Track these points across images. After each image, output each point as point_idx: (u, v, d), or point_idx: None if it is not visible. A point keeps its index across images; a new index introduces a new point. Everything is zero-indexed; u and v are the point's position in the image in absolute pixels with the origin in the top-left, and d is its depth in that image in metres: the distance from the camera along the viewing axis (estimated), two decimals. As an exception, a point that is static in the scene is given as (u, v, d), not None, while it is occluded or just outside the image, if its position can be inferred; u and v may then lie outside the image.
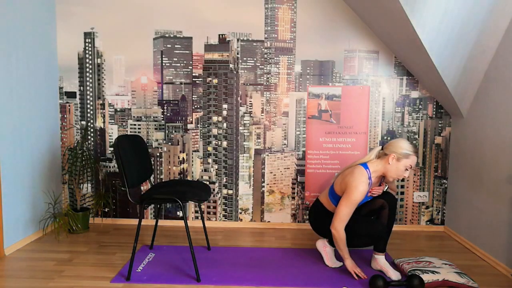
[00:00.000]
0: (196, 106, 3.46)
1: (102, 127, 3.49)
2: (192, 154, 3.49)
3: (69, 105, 3.48)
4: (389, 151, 2.44)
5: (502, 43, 2.69)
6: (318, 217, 2.70)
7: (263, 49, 3.40)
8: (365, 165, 2.49)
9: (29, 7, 3.02)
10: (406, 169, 2.43)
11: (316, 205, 2.73)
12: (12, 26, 2.82)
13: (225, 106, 3.43)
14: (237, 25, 3.37)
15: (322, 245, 2.73)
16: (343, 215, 2.41)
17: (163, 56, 3.42)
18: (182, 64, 3.43)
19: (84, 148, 3.29)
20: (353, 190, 2.39)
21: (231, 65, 3.41)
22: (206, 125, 3.46)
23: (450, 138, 3.43)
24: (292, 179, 3.49)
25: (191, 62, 3.43)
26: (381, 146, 2.54)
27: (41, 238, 3.14)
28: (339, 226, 2.42)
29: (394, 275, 2.48)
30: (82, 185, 3.49)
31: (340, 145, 3.43)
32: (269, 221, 3.53)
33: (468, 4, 2.49)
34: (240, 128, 3.46)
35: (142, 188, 3.47)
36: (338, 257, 2.73)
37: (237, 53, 3.40)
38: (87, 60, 3.44)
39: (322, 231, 2.70)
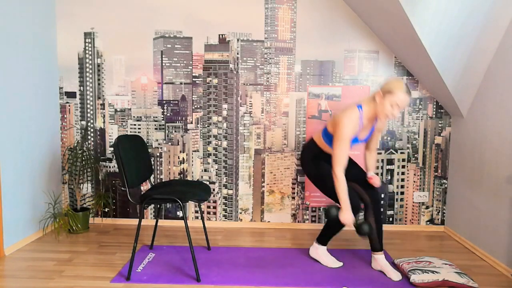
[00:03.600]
0: (196, 106, 3.46)
1: (102, 127, 3.49)
2: (192, 154, 3.49)
3: (69, 105, 3.48)
4: (380, 89, 2.37)
5: (502, 43, 2.69)
6: (308, 154, 2.61)
7: (263, 49, 3.40)
8: (359, 106, 2.42)
9: (29, 7, 3.02)
10: (392, 107, 2.29)
11: (309, 144, 2.64)
12: (12, 26, 2.82)
13: (225, 106, 3.43)
14: (237, 25, 3.37)
15: (314, 250, 2.75)
16: (338, 157, 2.33)
17: (163, 56, 3.42)
18: (182, 64, 3.43)
19: (84, 148, 3.29)
20: (342, 126, 2.33)
21: (231, 65, 3.41)
22: (206, 125, 3.46)
23: (450, 138, 3.43)
24: (292, 179, 3.49)
25: (191, 62, 3.43)
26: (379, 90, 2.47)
27: (41, 238, 3.14)
28: (337, 170, 2.33)
29: (394, 275, 2.48)
30: (82, 185, 3.49)
31: (340, 145, 3.43)
32: (269, 221, 3.53)
33: (468, 4, 2.49)
34: (240, 128, 3.46)
35: (142, 188, 3.47)
36: (336, 256, 2.73)
37: (237, 53, 3.40)
38: (87, 60, 3.44)
39: (311, 170, 2.60)
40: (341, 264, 2.67)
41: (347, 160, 2.42)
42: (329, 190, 2.48)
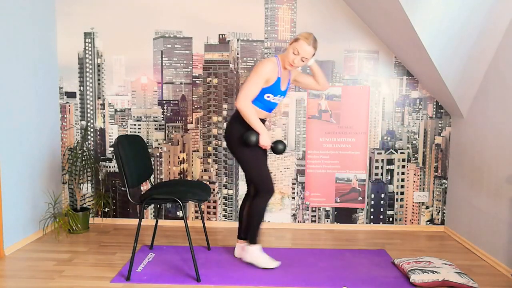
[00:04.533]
0: (196, 106, 3.46)
1: (102, 127, 3.49)
2: (192, 154, 3.49)
3: (69, 105, 3.48)
4: (291, 44, 2.43)
5: (502, 44, 2.69)
6: (237, 129, 2.50)
7: (263, 49, 3.40)
8: (276, 55, 2.52)
9: (29, 7, 3.02)
10: (294, 54, 2.37)
11: (234, 115, 2.55)
12: (12, 26, 2.82)
13: (225, 106, 3.43)
14: (237, 25, 3.37)
15: (240, 250, 2.65)
16: (248, 89, 2.35)
17: (163, 56, 3.42)
18: (182, 64, 3.43)
19: (84, 148, 3.29)
20: (260, 65, 2.38)
21: (231, 65, 3.41)
22: (206, 125, 3.46)
23: (450, 138, 3.43)
24: (292, 179, 3.49)
25: (191, 62, 3.43)
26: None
27: (41, 238, 3.14)
28: (243, 100, 2.35)
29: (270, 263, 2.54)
30: (82, 185, 3.49)
31: (340, 145, 3.43)
32: (269, 221, 3.53)
33: (468, 4, 2.49)
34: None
35: (142, 188, 3.47)
36: (336, 256, 2.72)
37: (237, 53, 3.40)
38: (87, 60, 3.44)
39: (240, 152, 2.53)
40: (278, 263, 2.58)
41: (252, 96, 2.40)
42: (257, 175, 2.52)
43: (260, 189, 2.56)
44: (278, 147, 2.51)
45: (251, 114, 2.38)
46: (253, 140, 2.38)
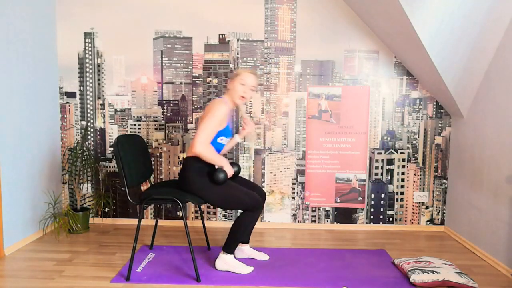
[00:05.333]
0: (196, 106, 3.46)
1: (102, 127, 3.49)
2: (192, 154, 3.48)
3: (69, 105, 3.48)
4: (231, 79, 2.52)
5: (502, 43, 2.69)
6: (189, 175, 2.44)
7: (263, 49, 3.40)
8: (221, 96, 2.55)
9: (29, 7, 3.02)
10: (242, 84, 2.45)
11: (185, 164, 2.47)
12: (12, 26, 2.82)
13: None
14: (237, 25, 3.37)
15: (221, 262, 2.55)
16: (206, 130, 2.32)
17: (163, 56, 3.42)
18: (182, 64, 3.43)
19: (84, 148, 3.29)
20: (214, 109, 2.37)
21: (231, 65, 3.41)
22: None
23: (450, 138, 3.43)
24: (292, 179, 3.49)
25: (191, 62, 3.43)
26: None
27: (41, 238, 3.14)
28: (203, 144, 2.31)
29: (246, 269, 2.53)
30: (82, 185, 3.49)
31: (340, 145, 3.43)
32: (269, 221, 3.53)
33: (468, 4, 2.49)
34: (240, 128, 3.45)
35: (142, 188, 3.47)
36: (336, 256, 2.72)
37: (237, 53, 3.40)
38: (87, 60, 3.44)
39: (196, 188, 2.44)
40: (252, 268, 2.56)
41: (211, 139, 2.39)
42: (237, 202, 2.43)
43: (249, 210, 2.45)
44: (219, 175, 2.40)
45: (212, 152, 2.37)
46: (222, 176, 2.37)
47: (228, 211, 3.52)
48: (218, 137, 2.45)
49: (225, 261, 2.54)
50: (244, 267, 2.54)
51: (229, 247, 2.53)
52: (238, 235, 2.49)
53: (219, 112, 2.37)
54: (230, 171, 2.43)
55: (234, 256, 2.60)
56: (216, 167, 2.47)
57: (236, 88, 2.46)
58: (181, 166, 2.54)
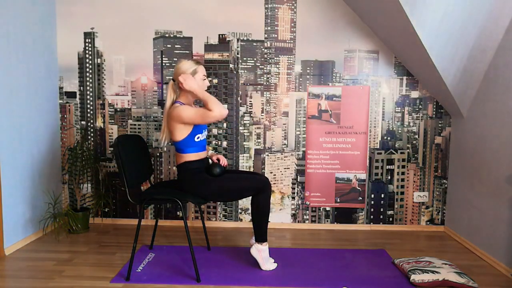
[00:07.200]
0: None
1: (102, 127, 3.49)
2: (192, 154, 3.48)
3: (69, 105, 3.48)
4: (179, 77, 2.42)
5: (502, 43, 2.69)
6: (186, 175, 2.48)
7: (263, 49, 3.40)
8: (177, 102, 2.47)
9: (29, 7, 3.02)
10: (204, 79, 2.50)
11: (180, 170, 2.50)
12: (12, 26, 2.82)
13: (225, 106, 3.43)
14: (237, 25, 3.37)
15: (256, 251, 2.61)
16: (196, 112, 2.36)
17: (163, 56, 3.42)
18: (182, 64, 3.42)
19: (84, 148, 3.29)
20: (182, 110, 2.35)
21: (231, 65, 3.41)
22: (206, 125, 3.46)
23: (450, 138, 3.43)
24: (292, 179, 3.49)
25: (191, 62, 3.42)
26: (171, 80, 2.53)
27: (41, 238, 3.14)
28: (218, 106, 2.33)
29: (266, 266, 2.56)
30: (82, 185, 3.49)
31: (340, 145, 3.43)
32: (269, 221, 3.51)
33: (468, 4, 2.49)
34: (240, 128, 3.46)
35: (142, 188, 3.47)
36: (336, 256, 2.72)
37: (237, 53, 3.40)
38: (87, 60, 3.44)
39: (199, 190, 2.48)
40: (275, 265, 2.62)
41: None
42: (241, 189, 2.49)
43: (256, 191, 2.50)
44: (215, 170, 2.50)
45: (211, 97, 2.37)
46: (218, 170, 2.48)
47: (228, 211, 3.52)
48: (193, 137, 2.45)
49: (258, 250, 2.60)
50: (270, 264, 2.62)
51: (260, 236, 2.59)
52: (262, 220, 2.56)
53: (190, 110, 2.37)
54: (225, 111, 2.39)
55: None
56: (210, 162, 2.61)
57: (200, 83, 2.46)
58: (177, 173, 2.57)
